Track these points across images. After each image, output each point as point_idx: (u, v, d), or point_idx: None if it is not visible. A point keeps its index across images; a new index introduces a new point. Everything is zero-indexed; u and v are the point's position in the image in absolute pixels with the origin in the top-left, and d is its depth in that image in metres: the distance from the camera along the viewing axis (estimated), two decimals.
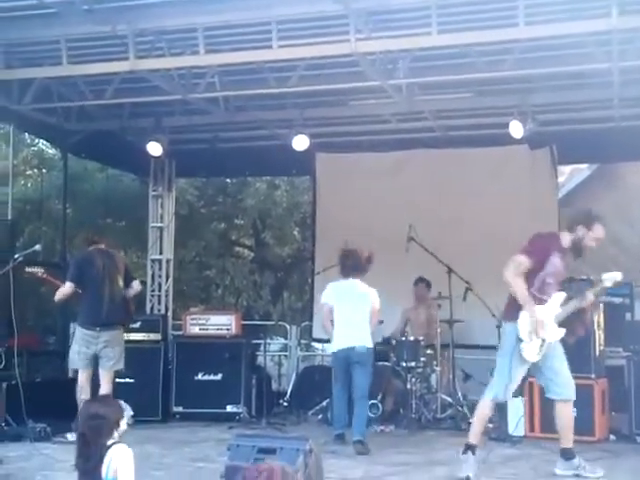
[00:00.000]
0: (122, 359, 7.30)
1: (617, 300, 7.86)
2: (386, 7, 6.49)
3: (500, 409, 8.04)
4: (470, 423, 7.93)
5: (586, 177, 13.52)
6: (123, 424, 3.78)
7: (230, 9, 6.48)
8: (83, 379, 7.15)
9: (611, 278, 5.93)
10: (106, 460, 3.66)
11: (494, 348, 8.50)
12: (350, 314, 7.28)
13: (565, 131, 9.23)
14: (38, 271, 7.39)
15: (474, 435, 5.86)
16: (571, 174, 13.85)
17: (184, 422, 8.42)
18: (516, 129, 8.28)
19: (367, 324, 7.29)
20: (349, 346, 7.19)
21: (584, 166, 13.42)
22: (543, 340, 5.74)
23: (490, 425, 7.93)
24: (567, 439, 5.95)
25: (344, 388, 7.34)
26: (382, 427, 7.88)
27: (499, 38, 6.76)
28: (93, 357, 7.16)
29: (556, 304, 5.81)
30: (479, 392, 8.67)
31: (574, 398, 5.94)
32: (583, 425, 7.15)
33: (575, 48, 7.07)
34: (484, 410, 5.95)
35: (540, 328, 5.66)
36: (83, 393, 7.03)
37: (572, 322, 5.89)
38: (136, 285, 7.52)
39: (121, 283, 7.30)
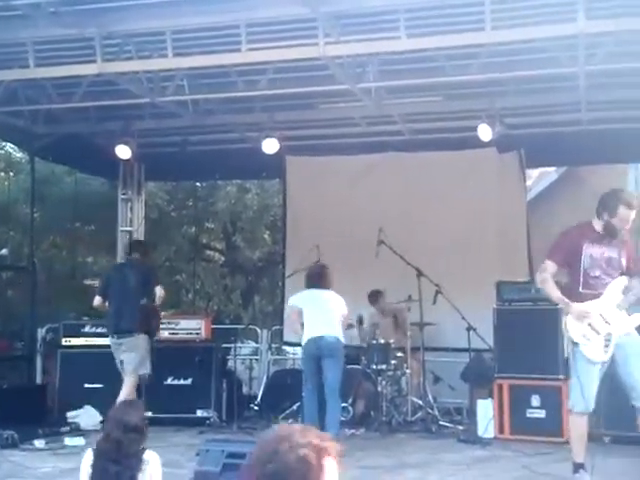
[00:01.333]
0: (145, 364, 7.62)
1: None
2: (355, 11, 6.50)
3: (470, 411, 8.12)
4: (440, 425, 8.05)
5: (554, 180, 13.64)
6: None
7: (198, 12, 6.45)
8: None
9: None
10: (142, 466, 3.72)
11: (464, 350, 8.63)
12: (319, 313, 7.42)
13: (533, 134, 9.31)
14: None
15: (577, 454, 5.55)
16: (539, 177, 13.98)
17: (153, 427, 8.23)
18: (484, 132, 8.34)
19: (337, 321, 7.40)
20: (318, 335, 7.25)
21: (552, 169, 13.54)
22: (608, 335, 5.40)
23: (460, 427, 8.02)
24: None
25: (315, 389, 7.35)
26: (353, 430, 7.89)
27: (466, 42, 6.80)
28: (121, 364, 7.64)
29: (614, 293, 5.46)
30: (449, 394, 8.82)
31: None
32: (551, 426, 7.25)
33: (542, 52, 7.13)
34: (574, 426, 5.61)
35: (594, 323, 5.36)
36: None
37: None
38: (158, 291, 7.77)
39: (141, 293, 7.69)
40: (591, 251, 5.50)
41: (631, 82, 7.78)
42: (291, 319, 7.70)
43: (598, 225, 5.55)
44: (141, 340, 7.60)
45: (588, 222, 5.63)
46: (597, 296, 5.47)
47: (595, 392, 5.47)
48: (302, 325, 7.50)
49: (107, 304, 7.82)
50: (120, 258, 10.83)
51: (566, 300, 5.49)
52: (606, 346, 5.42)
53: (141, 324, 7.63)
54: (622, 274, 5.53)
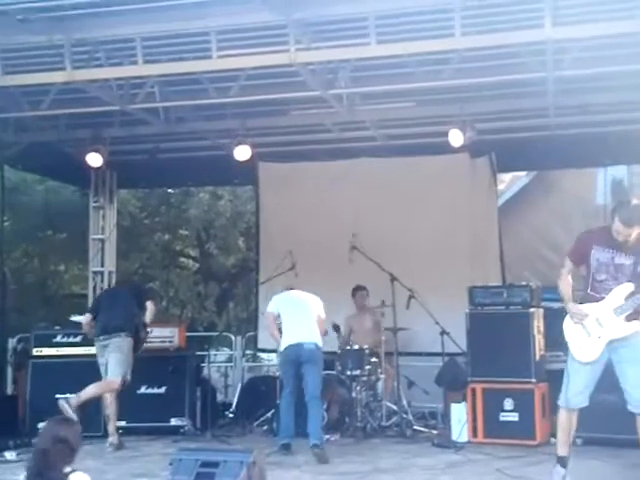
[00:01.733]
0: (130, 368, 7.67)
1: (556, 305, 7.98)
2: (325, 18, 6.52)
3: (444, 416, 8.15)
4: (415, 430, 8.07)
5: (525, 184, 13.75)
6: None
7: (168, 19, 6.43)
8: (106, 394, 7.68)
9: None
10: None
11: (438, 355, 8.66)
12: (297, 317, 7.46)
13: (504, 139, 9.38)
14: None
15: (558, 446, 5.66)
16: (511, 181, 14.08)
17: (127, 437, 8.28)
18: (456, 138, 8.38)
19: (315, 326, 7.42)
20: (298, 342, 7.26)
21: (523, 174, 13.66)
22: (599, 338, 5.40)
23: (434, 432, 8.04)
24: None
25: (292, 394, 7.34)
26: (327, 436, 7.85)
27: (436, 48, 6.84)
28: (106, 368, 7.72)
29: (617, 298, 5.41)
30: (423, 399, 8.84)
31: None
32: (524, 429, 7.29)
33: (511, 58, 7.20)
34: (559, 419, 5.69)
35: (582, 319, 5.42)
36: (106, 408, 7.69)
37: None
38: (149, 305, 7.95)
39: (133, 304, 7.90)
40: (599, 255, 5.50)
41: (598, 87, 7.88)
42: (269, 326, 7.70)
43: (612, 230, 5.47)
44: (127, 342, 7.70)
45: (607, 226, 5.57)
46: (600, 300, 5.49)
47: (580, 391, 5.51)
48: (280, 330, 7.53)
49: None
50: (92, 266, 10.80)
51: (566, 299, 5.57)
52: (593, 347, 5.44)
53: (130, 327, 7.75)
54: (634, 281, 5.43)
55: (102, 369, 7.77)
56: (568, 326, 5.57)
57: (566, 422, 5.63)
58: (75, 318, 8.02)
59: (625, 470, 6.26)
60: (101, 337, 7.77)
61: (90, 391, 7.51)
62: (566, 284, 5.60)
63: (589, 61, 7.14)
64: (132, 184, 12.39)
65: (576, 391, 5.51)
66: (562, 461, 5.60)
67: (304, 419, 7.22)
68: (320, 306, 7.59)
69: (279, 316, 7.56)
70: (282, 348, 7.43)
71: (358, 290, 9.26)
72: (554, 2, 6.14)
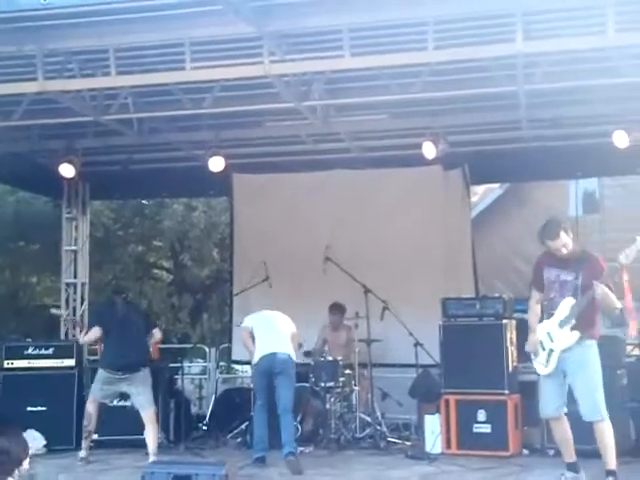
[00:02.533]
0: (152, 396, 7.65)
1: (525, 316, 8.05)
2: (299, 30, 6.53)
3: (418, 427, 8.16)
4: (389, 441, 8.08)
5: (498, 196, 13.86)
6: (26, 464, 3.56)
7: (141, 30, 6.42)
8: (92, 408, 7.66)
9: (628, 253, 5.63)
10: None
11: (412, 366, 8.68)
12: (270, 330, 7.55)
13: (477, 152, 9.45)
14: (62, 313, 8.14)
15: (563, 455, 6.08)
16: (484, 193, 14.18)
17: (99, 450, 8.20)
18: (429, 150, 8.42)
19: (288, 339, 7.52)
20: (271, 352, 7.31)
21: (496, 186, 13.76)
22: (551, 351, 5.91)
23: (408, 443, 8.05)
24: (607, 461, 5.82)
25: (264, 406, 7.34)
26: (301, 448, 7.84)
27: (409, 61, 6.89)
28: (114, 395, 7.79)
29: (562, 311, 5.88)
30: (397, 411, 8.85)
31: (595, 418, 5.79)
32: (497, 440, 7.33)
33: (482, 71, 7.25)
34: (552, 429, 6.19)
35: (534, 350, 6.01)
36: (89, 423, 7.64)
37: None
38: (157, 334, 7.94)
39: (143, 331, 7.81)
40: (548, 274, 5.99)
41: (570, 100, 7.95)
42: (243, 339, 7.77)
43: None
44: (148, 373, 7.66)
45: (545, 251, 6.08)
46: (551, 316, 5.99)
47: (547, 402, 6.01)
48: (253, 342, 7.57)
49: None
50: (65, 277, 10.71)
51: (531, 330, 6.10)
52: (547, 361, 5.96)
53: (147, 359, 7.75)
54: (576, 296, 5.86)
55: (106, 398, 7.72)
56: (529, 346, 6.18)
57: (559, 432, 6.03)
58: (55, 311, 7.86)
59: None
60: (120, 372, 7.54)
61: (152, 436, 7.52)
62: (533, 315, 6.13)
63: (560, 75, 7.22)
64: (105, 195, 12.30)
65: (545, 402, 6.04)
66: (570, 467, 5.99)
67: (277, 432, 7.20)
68: (291, 322, 7.74)
69: (252, 331, 7.62)
70: (256, 359, 7.42)
71: (337, 312, 9.10)
72: (525, 17, 6.21)
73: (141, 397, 7.57)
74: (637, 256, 5.63)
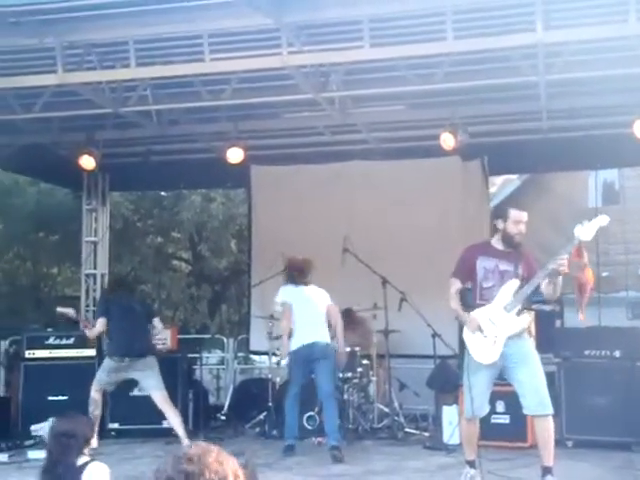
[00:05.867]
0: (161, 379, 7.68)
1: (547, 308, 8.03)
2: (317, 21, 6.53)
3: (436, 418, 8.16)
4: (406, 432, 8.09)
5: (517, 187, 13.80)
6: (94, 442, 3.76)
7: (161, 22, 6.44)
8: (97, 395, 7.66)
9: (587, 229, 5.35)
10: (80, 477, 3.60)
11: (429, 357, 8.67)
12: (309, 313, 7.46)
13: (496, 143, 9.40)
14: (69, 312, 7.94)
15: (467, 453, 5.92)
16: (502, 184, 14.13)
17: (120, 439, 8.30)
18: (447, 141, 8.39)
19: (324, 322, 7.48)
20: (311, 342, 7.30)
21: (515, 176, 13.70)
22: (495, 337, 5.59)
23: (426, 434, 8.06)
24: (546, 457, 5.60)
25: (298, 395, 7.39)
26: (319, 439, 7.89)
27: (428, 52, 6.88)
28: (118, 382, 7.79)
29: (505, 295, 5.64)
30: (415, 401, 8.86)
31: (544, 412, 5.61)
32: (516, 431, 7.31)
33: (502, 61, 7.22)
34: (462, 430, 6.05)
35: (477, 327, 5.61)
36: (96, 408, 7.58)
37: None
38: (157, 323, 7.94)
39: (146, 320, 7.86)
40: (484, 264, 5.79)
41: (589, 90, 7.91)
42: (284, 316, 7.58)
43: (497, 242, 5.85)
44: (154, 360, 7.72)
45: (487, 240, 6.02)
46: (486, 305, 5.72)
47: (482, 401, 5.73)
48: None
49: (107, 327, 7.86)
50: (85, 268, 10.80)
51: (460, 312, 5.78)
52: (493, 347, 5.61)
53: (152, 348, 7.81)
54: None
55: (110, 385, 7.76)
56: (467, 336, 5.76)
57: (472, 432, 5.85)
58: (62, 310, 7.90)
59: (613, 472, 6.29)
60: (126, 358, 7.61)
61: (175, 420, 7.61)
62: (455, 301, 5.83)
63: (580, 64, 7.17)
64: (125, 187, 12.40)
65: (480, 402, 5.70)
66: (471, 464, 5.83)
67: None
68: (326, 296, 7.64)
69: (290, 307, 7.49)
70: (294, 346, 7.43)
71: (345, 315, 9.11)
72: (545, 6, 6.16)
73: (149, 380, 7.64)
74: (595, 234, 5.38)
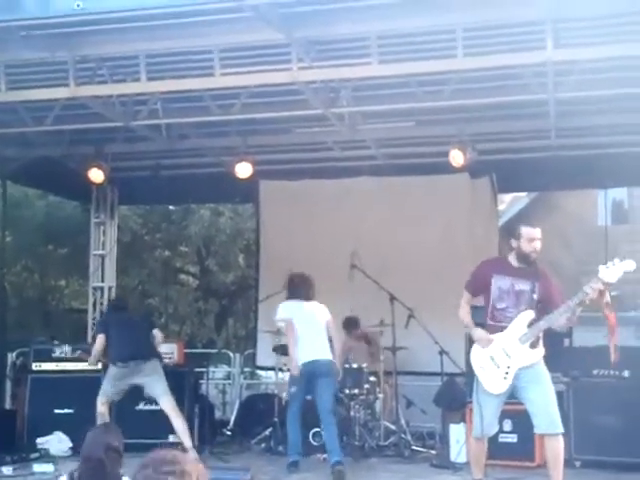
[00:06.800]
0: (166, 385, 7.65)
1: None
2: (327, 37, 6.54)
3: (443, 436, 8.12)
4: (413, 450, 8.04)
5: (525, 205, 13.79)
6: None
7: (172, 36, 6.46)
8: (103, 409, 7.58)
9: (612, 271, 5.16)
10: None
11: (437, 374, 8.63)
12: (311, 329, 7.37)
13: (504, 160, 9.41)
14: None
15: (474, 472, 5.86)
16: (511, 202, 14.12)
17: (125, 453, 8.23)
18: (456, 158, 8.40)
19: (325, 338, 7.39)
20: (313, 359, 7.23)
21: (523, 194, 13.69)
22: (507, 368, 5.50)
23: (433, 452, 8.01)
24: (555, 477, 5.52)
25: (299, 412, 7.33)
26: (325, 455, 7.84)
27: (438, 69, 6.88)
28: (124, 390, 7.69)
29: (520, 326, 5.51)
30: (422, 419, 8.81)
31: (554, 431, 5.54)
32: (523, 450, 7.26)
33: (512, 79, 7.23)
34: (470, 449, 5.99)
35: (495, 356, 5.50)
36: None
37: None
38: (157, 333, 7.90)
39: (146, 329, 7.82)
40: (500, 283, 5.62)
41: (599, 109, 7.91)
42: (287, 332, 7.48)
43: (514, 260, 5.68)
44: (158, 364, 7.69)
45: (504, 257, 5.88)
46: (501, 329, 5.57)
47: (492, 420, 5.65)
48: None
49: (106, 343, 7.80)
50: (93, 281, 10.82)
51: (470, 325, 5.68)
52: (504, 379, 5.54)
53: (157, 353, 7.79)
54: (532, 308, 5.54)
55: (116, 395, 7.68)
56: (476, 356, 5.66)
57: (480, 451, 5.78)
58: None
59: None
60: (131, 362, 7.54)
61: (182, 427, 7.56)
62: (466, 313, 5.75)
63: (590, 83, 7.16)
64: (133, 200, 12.43)
65: (489, 421, 5.61)
66: None
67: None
68: (326, 311, 7.52)
69: (292, 323, 7.40)
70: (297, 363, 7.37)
71: (348, 326, 9.08)
72: (556, 24, 6.16)
73: (156, 385, 7.59)
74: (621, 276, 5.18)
